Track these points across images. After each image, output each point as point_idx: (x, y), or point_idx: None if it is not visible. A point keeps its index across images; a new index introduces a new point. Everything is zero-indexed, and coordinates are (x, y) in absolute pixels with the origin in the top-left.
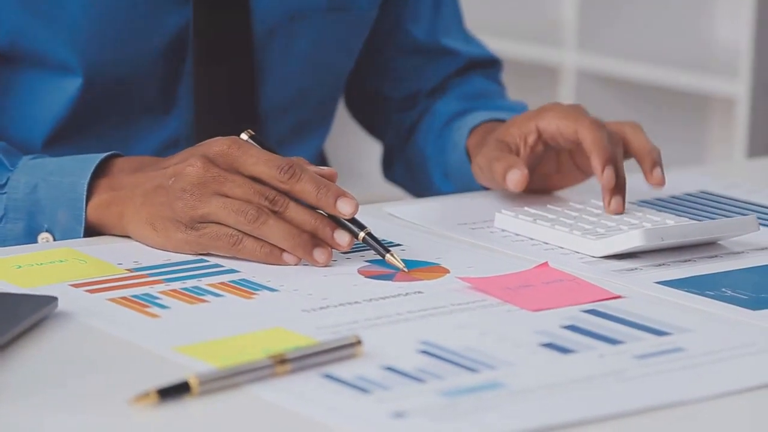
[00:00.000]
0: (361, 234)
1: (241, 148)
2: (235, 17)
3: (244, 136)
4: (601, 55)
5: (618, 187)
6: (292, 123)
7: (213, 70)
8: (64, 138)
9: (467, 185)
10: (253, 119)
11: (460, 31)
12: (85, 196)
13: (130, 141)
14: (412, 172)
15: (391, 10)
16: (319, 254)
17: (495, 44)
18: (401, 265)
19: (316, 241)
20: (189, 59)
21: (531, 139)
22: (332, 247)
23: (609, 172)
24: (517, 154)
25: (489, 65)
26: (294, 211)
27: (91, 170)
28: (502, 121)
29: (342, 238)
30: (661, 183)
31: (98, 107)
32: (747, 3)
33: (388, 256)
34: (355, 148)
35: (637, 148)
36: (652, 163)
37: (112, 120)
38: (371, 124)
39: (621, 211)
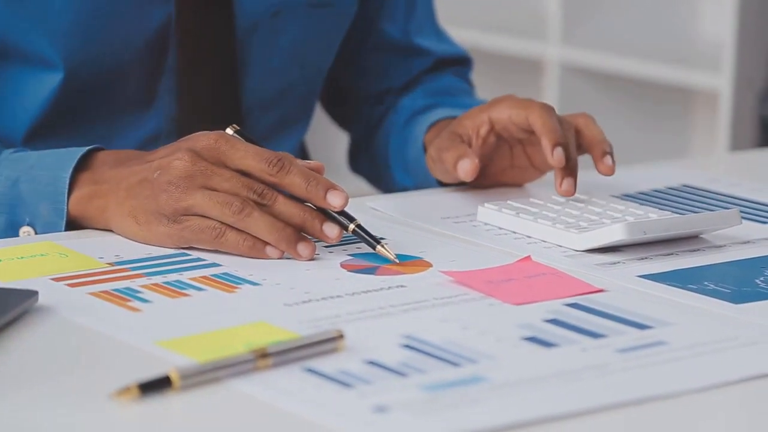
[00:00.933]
0: (351, 226)
1: (229, 142)
2: (218, 12)
3: (229, 130)
4: (584, 48)
5: (569, 169)
6: (274, 118)
7: (195, 65)
8: (45, 132)
9: (425, 180)
10: (235, 114)
11: (433, 29)
12: (66, 190)
13: (111, 136)
14: (376, 165)
15: (366, 8)
16: (303, 248)
17: (479, 38)
18: (392, 257)
19: (300, 235)
20: (171, 54)
21: (483, 130)
22: (321, 240)
23: (558, 152)
24: (470, 145)
25: (460, 63)
26: (283, 204)
27: (73, 164)
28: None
29: (331, 230)
30: (610, 171)
31: (79, 102)
32: None
33: (378, 247)
34: (335, 141)
35: (589, 137)
36: (602, 152)
37: (94, 115)
38: (341, 117)
39: (572, 193)
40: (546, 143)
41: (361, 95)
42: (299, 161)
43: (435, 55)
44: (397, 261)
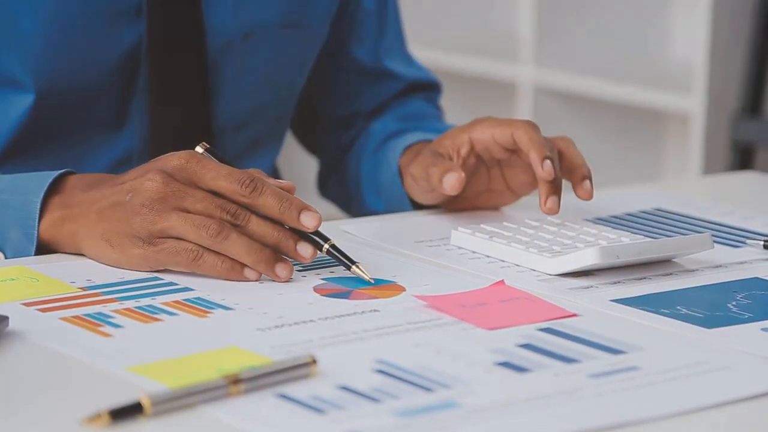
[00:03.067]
0: (326, 246)
1: (200, 163)
2: (189, 33)
3: (199, 149)
4: (557, 70)
5: (554, 186)
6: (246, 139)
7: (167, 86)
8: (16, 154)
9: (397, 203)
10: (207, 135)
11: (403, 54)
12: (37, 215)
13: (83, 157)
14: (346, 189)
15: (337, 30)
16: (280, 269)
17: (451, 59)
18: (367, 277)
19: (277, 256)
20: (143, 75)
21: (464, 150)
22: (295, 260)
23: (548, 164)
24: None
25: (429, 89)
26: (256, 225)
27: (45, 188)
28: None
29: (305, 250)
30: (589, 197)
31: (50, 124)
32: (701, 20)
33: (354, 267)
34: (307, 163)
35: (569, 160)
36: (582, 177)
37: (65, 136)
38: (308, 141)
39: (556, 211)
40: (534, 156)
41: (329, 118)
42: (271, 180)
43: (405, 79)
44: (373, 281)
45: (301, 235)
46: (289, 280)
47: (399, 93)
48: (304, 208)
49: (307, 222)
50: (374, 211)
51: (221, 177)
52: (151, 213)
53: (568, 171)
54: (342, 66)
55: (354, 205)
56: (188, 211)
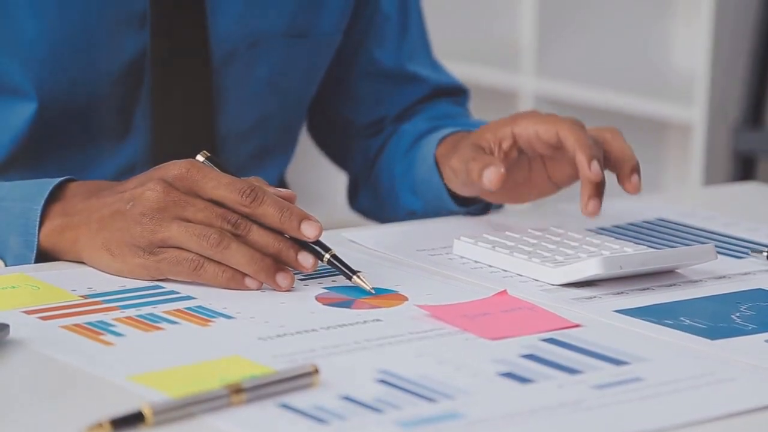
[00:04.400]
0: (327, 256)
1: (201, 171)
2: (193, 42)
3: (200, 157)
4: (558, 80)
5: (599, 188)
6: (252, 149)
7: (170, 95)
8: (18, 163)
9: (436, 198)
10: (211, 145)
11: (428, 58)
12: (38, 223)
13: (85, 167)
14: (379, 196)
15: (356, 35)
16: (282, 279)
17: (452, 68)
18: (368, 287)
19: (278, 265)
20: (146, 84)
21: (506, 144)
22: (296, 270)
23: (596, 166)
24: None
25: (457, 93)
26: (257, 234)
27: (45, 196)
28: (471, 132)
29: (306, 260)
30: (636, 191)
31: (53, 132)
32: (703, 30)
33: (354, 277)
34: (315, 173)
35: (616, 152)
36: (630, 169)
37: (68, 145)
38: (336, 153)
39: (597, 213)
40: (582, 158)
41: (354, 125)
42: (272, 189)
43: (431, 83)
44: (374, 291)
45: (302, 245)
46: (290, 289)
47: (425, 97)
48: (304, 217)
49: (308, 232)
50: (411, 212)
51: (222, 186)
52: (151, 222)
53: (615, 163)
54: (364, 72)
55: (388, 210)
56: (189, 221)
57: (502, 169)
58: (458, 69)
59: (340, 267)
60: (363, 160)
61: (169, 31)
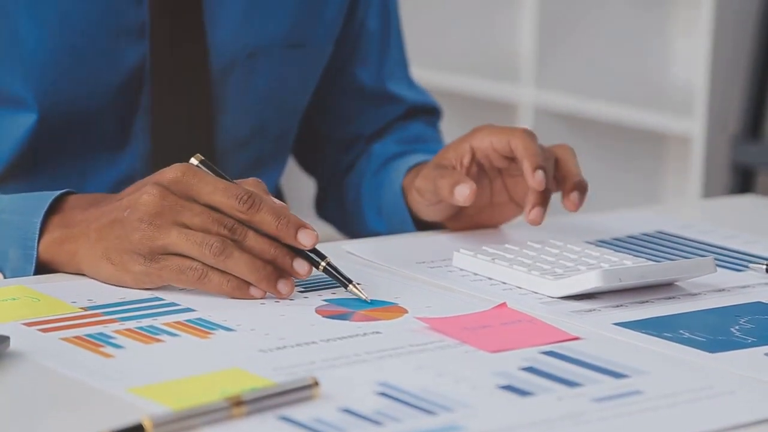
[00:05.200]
0: (322, 264)
1: (197, 176)
2: (193, 52)
3: (194, 161)
4: (558, 91)
5: (543, 197)
6: (249, 158)
7: (170, 105)
8: (18, 173)
9: (399, 224)
10: (210, 154)
11: (405, 77)
12: (37, 236)
13: (85, 177)
14: (344, 210)
15: (341, 50)
16: (282, 286)
17: (452, 80)
18: (364, 296)
19: (279, 273)
20: (146, 94)
21: (466, 159)
22: (292, 276)
23: (539, 174)
24: None
25: (430, 113)
26: (253, 240)
27: (44, 209)
28: None
29: (302, 267)
30: (574, 208)
31: (53, 143)
32: (702, 43)
33: (350, 286)
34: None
35: (564, 168)
36: (572, 186)
37: (68, 155)
38: (305, 161)
39: (539, 222)
40: (527, 165)
41: (330, 139)
42: (268, 197)
43: (407, 103)
44: (370, 300)
45: (298, 252)
46: (291, 296)
47: (400, 116)
48: (301, 225)
49: (305, 240)
50: (376, 232)
51: (218, 192)
52: (150, 228)
53: (561, 179)
54: (344, 88)
55: (353, 226)
56: (186, 226)
57: (474, 185)
58: (458, 81)
59: (335, 275)
60: (332, 173)
61: (169, 42)
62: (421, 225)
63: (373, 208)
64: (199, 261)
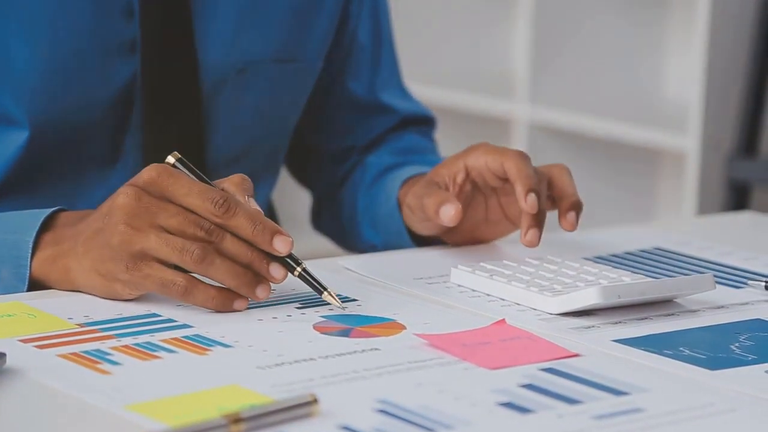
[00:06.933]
0: (298, 269)
1: (172, 177)
2: (183, 69)
3: (170, 158)
4: (553, 108)
5: (537, 219)
6: (240, 173)
7: (161, 121)
8: (9, 191)
9: (395, 237)
10: (201, 170)
11: (398, 87)
12: (29, 255)
13: (76, 193)
14: (340, 223)
15: (333, 64)
16: (260, 291)
17: (447, 96)
18: (339, 304)
19: (258, 277)
20: (137, 111)
21: (460, 177)
22: (268, 280)
23: (531, 198)
24: None
25: (424, 123)
26: (230, 243)
27: (37, 228)
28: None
29: (277, 271)
30: (571, 228)
31: (44, 160)
32: (697, 59)
33: (325, 293)
34: (301, 197)
35: (560, 189)
36: (569, 206)
37: (59, 172)
38: (300, 174)
39: (535, 244)
40: (519, 189)
41: (323, 152)
42: (244, 202)
43: (400, 113)
44: (345, 308)
45: (273, 257)
46: (267, 299)
47: (394, 127)
48: (276, 231)
49: (280, 247)
50: (371, 246)
51: (193, 194)
52: (128, 230)
53: (557, 199)
54: (337, 100)
55: (349, 239)
56: (162, 227)
57: (459, 205)
58: (453, 97)
59: (310, 281)
60: (327, 185)
61: (159, 58)
62: (419, 238)
63: (368, 221)
64: (180, 270)
